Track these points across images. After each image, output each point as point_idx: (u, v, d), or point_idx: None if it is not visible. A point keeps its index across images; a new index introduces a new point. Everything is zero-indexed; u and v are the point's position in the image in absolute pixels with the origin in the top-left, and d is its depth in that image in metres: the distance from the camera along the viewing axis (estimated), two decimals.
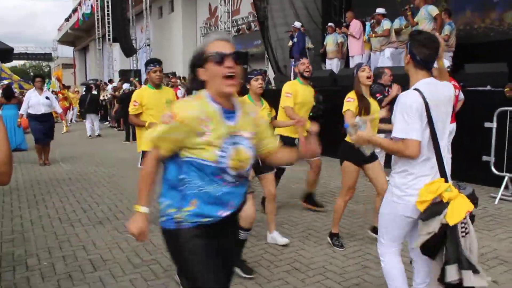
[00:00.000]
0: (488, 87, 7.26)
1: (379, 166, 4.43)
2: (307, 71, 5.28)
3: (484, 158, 6.49)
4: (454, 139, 6.29)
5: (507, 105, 6.30)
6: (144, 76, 24.97)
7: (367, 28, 10.44)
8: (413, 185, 2.62)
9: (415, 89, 2.62)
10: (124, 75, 24.56)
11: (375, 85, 6.28)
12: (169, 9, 29.90)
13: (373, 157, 4.28)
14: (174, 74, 20.03)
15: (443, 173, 2.62)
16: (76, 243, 4.75)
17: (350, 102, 4.25)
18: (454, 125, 6.19)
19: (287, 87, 5.24)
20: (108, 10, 27.79)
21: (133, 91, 15.85)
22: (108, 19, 27.98)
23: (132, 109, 5.07)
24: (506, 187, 6.24)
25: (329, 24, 11.81)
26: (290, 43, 12.46)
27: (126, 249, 4.55)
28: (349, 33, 10.68)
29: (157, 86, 5.09)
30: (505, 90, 6.63)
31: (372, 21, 10.14)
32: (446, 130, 2.71)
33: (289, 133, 5.22)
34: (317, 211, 5.70)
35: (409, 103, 2.57)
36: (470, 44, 9.89)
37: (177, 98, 13.73)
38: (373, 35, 10.02)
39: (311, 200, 5.79)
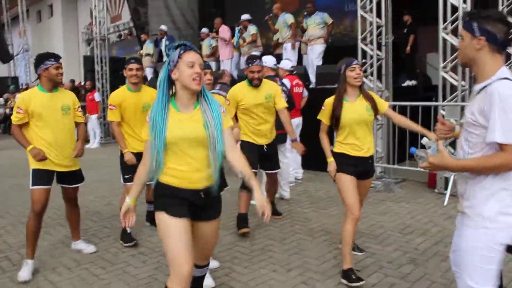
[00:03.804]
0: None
1: (368, 184, 3.99)
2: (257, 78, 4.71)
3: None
4: (308, 131, 6.84)
5: None
6: (21, 82, 23.77)
7: (236, 33, 11.00)
8: None
9: (507, 78, 2.02)
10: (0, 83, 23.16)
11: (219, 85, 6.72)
12: (48, 14, 28.68)
13: (370, 173, 3.92)
14: None
15: None
16: None
17: (322, 111, 3.87)
18: (300, 119, 6.87)
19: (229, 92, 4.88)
20: None
21: None
22: None
23: (14, 118, 3.89)
24: None
25: (202, 30, 12.26)
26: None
27: None
28: (219, 37, 11.16)
29: (54, 87, 3.95)
30: None
31: (239, 27, 10.71)
32: None
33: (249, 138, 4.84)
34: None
35: None
36: (329, 48, 10.87)
37: (95, 102, 12.84)
38: (243, 43, 10.37)
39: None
